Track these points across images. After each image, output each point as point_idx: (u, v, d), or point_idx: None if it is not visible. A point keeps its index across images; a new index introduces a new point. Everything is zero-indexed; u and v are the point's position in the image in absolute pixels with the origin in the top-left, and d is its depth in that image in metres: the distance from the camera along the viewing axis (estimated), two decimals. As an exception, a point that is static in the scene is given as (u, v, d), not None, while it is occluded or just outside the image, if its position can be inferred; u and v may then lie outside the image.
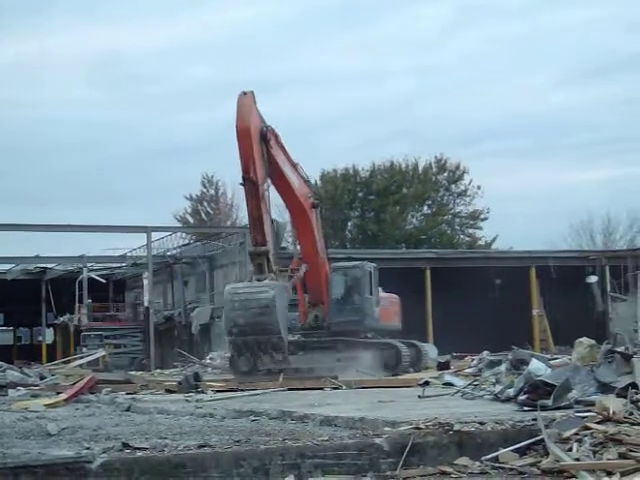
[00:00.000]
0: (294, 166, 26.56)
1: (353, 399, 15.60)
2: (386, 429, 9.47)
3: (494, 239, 74.11)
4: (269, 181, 24.73)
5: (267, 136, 24.52)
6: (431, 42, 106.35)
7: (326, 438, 9.07)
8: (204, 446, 8.63)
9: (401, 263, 47.24)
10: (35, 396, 19.34)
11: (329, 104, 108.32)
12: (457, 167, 74.36)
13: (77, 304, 52.88)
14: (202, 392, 19.84)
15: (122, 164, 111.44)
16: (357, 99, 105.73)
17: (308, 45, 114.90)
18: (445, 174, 74.83)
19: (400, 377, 24.11)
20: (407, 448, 8.64)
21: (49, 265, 56.81)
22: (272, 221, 24.70)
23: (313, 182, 71.40)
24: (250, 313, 22.39)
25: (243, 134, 23.76)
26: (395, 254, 54.04)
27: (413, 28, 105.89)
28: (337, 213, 71.33)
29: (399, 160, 73.45)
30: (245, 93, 24.28)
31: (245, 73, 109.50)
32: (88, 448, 8.54)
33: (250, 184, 23.69)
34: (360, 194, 72.70)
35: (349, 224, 74.35)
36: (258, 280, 23.32)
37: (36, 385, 23.07)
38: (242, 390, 19.74)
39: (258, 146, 24.05)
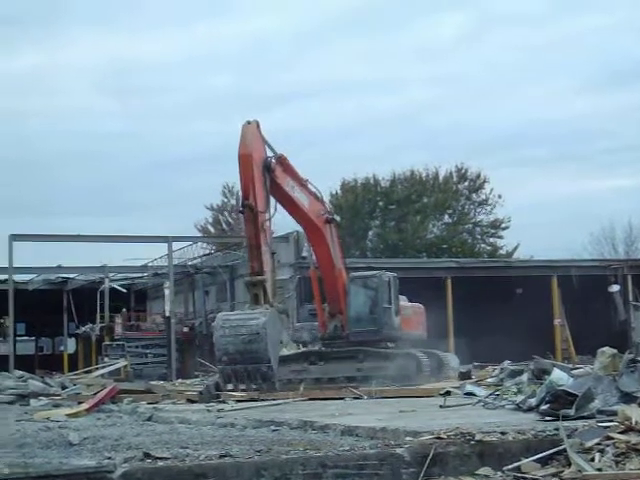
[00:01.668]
0: (304, 186, 26.51)
1: (374, 409, 15.58)
2: (407, 439, 9.44)
3: (515, 248, 73.97)
4: (272, 211, 24.62)
5: (272, 166, 24.52)
6: (450, 50, 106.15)
7: (347, 448, 9.06)
8: (225, 456, 8.63)
9: (422, 272, 47.14)
10: (57, 406, 19.43)
11: (348, 113, 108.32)
12: (478, 176, 74.29)
13: (99, 313, 53.04)
14: (223, 402, 19.87)
15: (142, 174, 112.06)
16: (376, 107, 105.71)
17: (327, 54, 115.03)
18: (466, 183, 74.75)
19: (421, 387, 24.04)
20: (428, 458, 8.62)
21: (71, 275, 57.02)
22: (273, 252, 24.49)
23: (333, 192, 71.96)
24: (240, 340, 22.12)
25: (244, 161, 23.76)
26: (416, 263, 53.98)
27: (432, 36, 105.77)
28: (357, 222, 71.30)
29: (419, 169, 73.53)
30: (249, 122, 24.32)
31: (263, 83, 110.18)
32: (110, 458, 8.56)
33: (249, 211, 23.63)
34: (380, 203, 72.66)
35: (370, 233, 74.31)
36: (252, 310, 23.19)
37: (58, 395, 23.17)
38: (263, 400, 19.75)
39: (260, 175, 24.01)
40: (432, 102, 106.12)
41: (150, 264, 55.31)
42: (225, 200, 79.12)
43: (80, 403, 18.89)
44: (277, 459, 8.46)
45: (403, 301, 29.42)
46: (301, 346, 28.99)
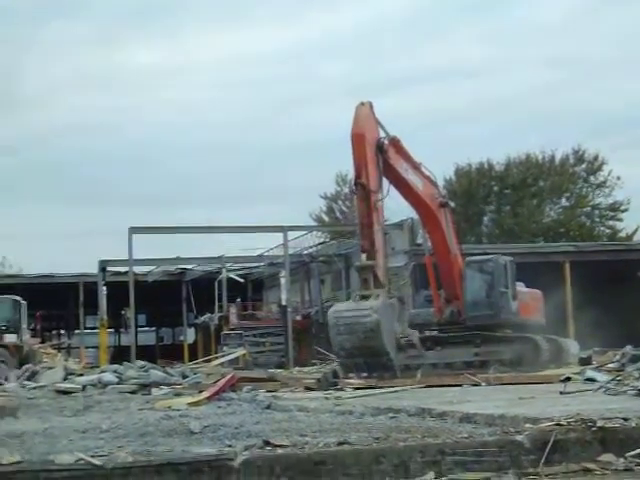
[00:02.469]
0: (417, 169, 26.43)
1: (492, 396, 15.45)
2: (527, 426, 9.33)
3: (635, 231, 72.25)
4: (384, 192, 24.61)
5: (384, 147, 24.53)
6: (563, 29, 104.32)
7: (466, 435, 9.00)
8: (344, 443, 8.65)
9: (539, 257, 46.50)
10: (178, 395, 19.74)
11: (460, 97, 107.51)
12: (595, 158, 72.83)
13: (217, 303, 53.75)
14: (341, 389, 19.96)
15: (257, 165, 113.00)
16: (489, 91, 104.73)
17: (438, 38, 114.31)
18: (583, 165, 73.37)
19: (540, 373, 23.75)
20: (549, 445, 8.51)
21: (189, 266, 57.91)
22: (385, 233, 24.51)
23: (447, 177, 71.55)
24: (356, 337, 22.29)
25: (357, 140, 23.88)
26: (532, 248, 53.22)
27: (545, 15, 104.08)
28: (472, 208, 70.70)
29: (535, 152, 72.47)
30: (363, 103, 24.41)
31: (375, 70, 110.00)
32: (230, 446, 8.66)
33: (361, 189, 23.71)
34: (495, 188, 71.89)
35: (485, 219, 73.62)
36: (362, 297, 23.14)
37: (179, 384, 23.56)
38: (380, 387, 19.78)
39: (373, 155, 24.06)
40: (546, 84, 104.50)
41: (266, 254, 55.79)
42: (339, 189, 79.30)
43: (200, 392, 19.14)
44: (395, 446, 8.45)
45: (520, 287, 29.09)
46: (418, 332, 28.93)
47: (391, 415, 11.98)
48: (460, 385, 19.76)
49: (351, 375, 22.38)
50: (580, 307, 44.21)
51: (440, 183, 32.24)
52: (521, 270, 29.79)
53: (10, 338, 38.01)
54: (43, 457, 8.04)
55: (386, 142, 24.80)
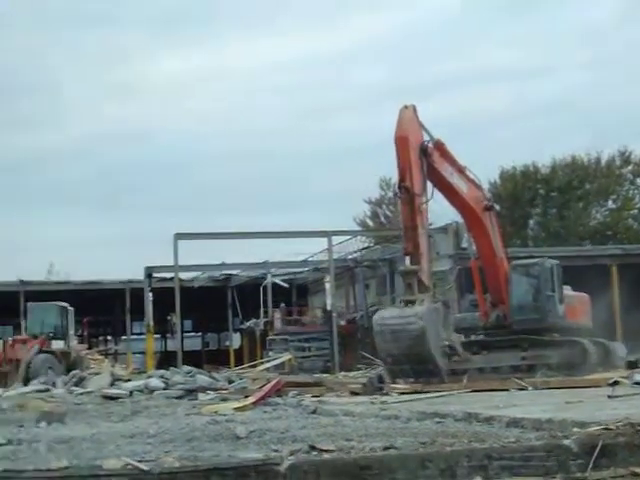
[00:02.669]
0: (462, 172, 26.33)
1: (539, 400, 15.36)
2: (575, 430, 9.27)
3: (684, 232, 71.53)
4: (429, 195, 24.55)
5: (428, 150, 24.49)
6: (602, 31, 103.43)
7: (513, 440, 8.95)
8: (390, 448, 8.64)
9: (586, 260, 46.10)
10: (224, 400, 19.83)
11: (503, 99, 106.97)
12: (642, 159, 72.16)
13: (262, 309, 53.87)
14: (386, 394, 19.94)
15: (300, 170, 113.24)
16: (531, 93, 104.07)
17: (478, 40, 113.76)
18: (630, 167, 72.69)
19: (587, 377, 23.56)
20: (597, 449, 8.44)
21: (234, 272, 58.09)
22: (429, 236, 24.43)
23: (492, 180, 71.17)
24: (402, 344, 22.25)
25: (401, 143, 23.85)
26: (579, 251, 52.77)
27: (586, 17, 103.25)
28: (518, 211, 70.28)
29: (580, 155, 71.91)
30: (406, 107, 24.40)
31: (415, 75, 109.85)
32: (276, 450, 8.68)
33: (405, 193, 23.67)
34: (541, 191, 71.41)
35: (530, 222, 73.15)
36: (406, 302, 23.04)
37: (225, 389, 23.67)
38: (426, 392, 19.73)
39: (417, 158, 24.02)
40: (590, 85, 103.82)
41: (310, 259, 55.84)
42: (383, 193, 79.19)
43: (246, 397, 19.22)
44: (442, 451, 8.42)
45: (567, 290, 28.88)
46: (463, 337, 28.79)
47: (437, 420, 11.95)
48: (507, 389, 19.66)
49: (398, 380, 22.34)
50: (628, 310, 43.80)
51: (485, 186, 32.10)
52: (568, 273, 29.58)
53: (58, 344, 38.35)
54: (91, 462, 8.10)
55: (430, 145, 24.76)
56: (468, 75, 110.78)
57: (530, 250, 49.81)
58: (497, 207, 39.46)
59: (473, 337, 28.40)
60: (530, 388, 19.87)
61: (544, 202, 71.81)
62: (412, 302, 22.87)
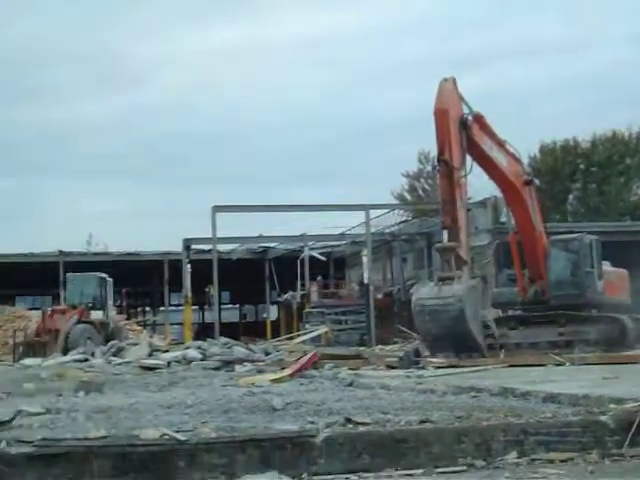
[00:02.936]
0: (501, 146, 26.16)
1: (577, 376, 15.30)
2: (611, 406, 9.22)
3: None
4: (467, 169, 24.42)
5: (468, 123, 24.34)
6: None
7: (549, 415, 8.92)
8: (426, 422, 8.64)
9: (625, 236, 45.76)
10: (260, 371, 19.92)
11: (544, 74, 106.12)
12: (684, 134, 71.32)
13: (299, 281, 53.98)
14: (423, 368, 19.93)
15: (339, 143, 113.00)
16: (572, 67, 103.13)
17: (515, 13, 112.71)
18: (672, 141, 71.95)
19: (626, 353, 23.42)
20: (634, 426, 8.38)
21: (271, 244, 58.22)
22: (468, 209, 24.28)
23: (532, 155, 70.66)
24: (441, 325, 22.25)
25: (440, 115, 23.71)
26: (619, 226, 52.39)
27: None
28: (557, 186, 69.78)
29: (621, 129, 71.18)
30: (446, 79, 24.22)
31: (456, 48, 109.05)
32: (312, 422, 8.71)
33: (444, 166, 23.55)
34: (581, 166, 70.83)
35: (570, 197, 72.62)
36: (443, 280, 22.90)
37: (261, 361, 23.76)
38: (462, 366, 19.70)
39: (456, 131, 23.87)
40: (633, 60, 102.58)
41: (348, 232, 55.82)
42: (421, 167, 78.88)
43: (283, 369, 19.29)
44: (478, 425, 8.41)
45: (606, 266, 28.68)
46: (501, 311, 28.70)
47: (473, 394, 11.94)
48: (544, 365, 19.57)
49: (438, 355, 22.35)
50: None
51: (524, 161, 31.87)
52: (607, 249, 29.36)
53: (96, 315, 38.67)
54: (128, 432, 8.17)
55: (470, 118, 24.61)
56: (510, 49, 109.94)
57: (569, 225, 49.49)
58: (537, 181, 39.23)
59: (510, 312, 28.31)
60: (567, 364, 19.77)
61: (584, 177, 71.23)
62: (450, 279, 22.78)
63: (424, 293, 23.44)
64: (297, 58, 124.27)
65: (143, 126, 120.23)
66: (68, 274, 42.94)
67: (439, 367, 19.82)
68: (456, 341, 22.38)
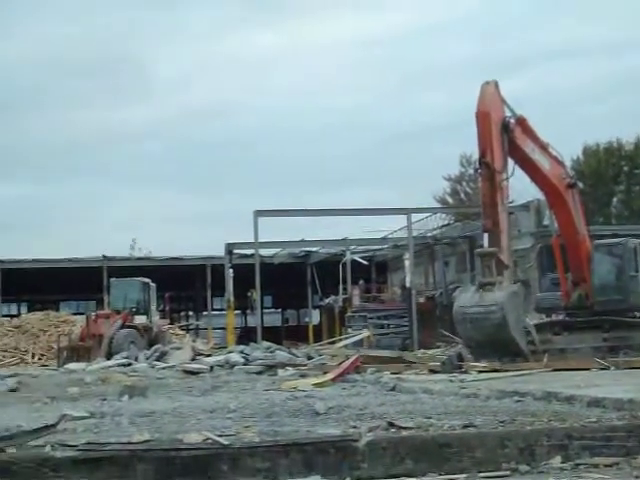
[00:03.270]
0: (544, 149, 26.00)
1: (621, 380, 15.17)
2: (657, 411, 9.15)
3: None
4: (509, 172, 24.31)
5: (510, 126, 24.23)
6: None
7: (594, 419, 8.86)
8: (469, 426, 8.61)
9: (670, 239, 45.26)
10: (303, 376, 19.91)
11: (588, 75, 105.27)
12: None
13: (341, 285, 53.95)
14: (465, 372, 19.85)
15: (380, 147, 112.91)
16: (615, 69, 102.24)
17: (562, 15, 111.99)
18: None
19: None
20: (679, 430, 8.31)
21: (313, 248, 58.25)
22: (510, 213, 24.11)
23: (575, 157, 70.29)
24: (484, 332, 22.14)
25: (482, 118, 23.64)
26: (663, 230, 51.87)
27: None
28: (601, 188, 69.29)
29: (666, 132, 70.53)
30: (488, 82, 24.18)
31: (498, 51, 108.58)
32: (355, 427, 8.71)
33: (486, 169, 23.46)
34: (625, 168, 70.32)
35: (614, 199, 72.09)
36: (484, 286, 22.75)
37: (304, 365, 23.78)
38: (505, 371, 19.59)
39: (498, 134, 23.77)
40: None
41: (390, 236, 55.73)
42: (463, 170, 78.63)
43: (325, 373, 19.28)
44: (521, 430, 8.37)
45: (650, 270, 28.38)
46: (544, 316, 28.50)
47: (517, 399, 11.88)
48: (588, 369, 19.43)
49: (482, 360, 22.25)
50: None
51: (567, 163, 31.68)
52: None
53: (140, 319, 38.87)
54: (172, 436, 8.21)
55: (512, 121, 24.51)
56: (554, 50, 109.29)
57: (613, 228, 49.06)
58: (580, 184, 38.95)
59: (554, 317, 28.11)
60: (612, 368, 19.61)
61: (628, 179, 70.69)
62: (491, 284, 22.64)
63: (465, 300, 23.28)
64: (339, 61, 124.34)
65: (188, 132, 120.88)
66: (112, 279, 43.23)
67: (482, 371, 19.73)
68: (499, 347, 22.27)
